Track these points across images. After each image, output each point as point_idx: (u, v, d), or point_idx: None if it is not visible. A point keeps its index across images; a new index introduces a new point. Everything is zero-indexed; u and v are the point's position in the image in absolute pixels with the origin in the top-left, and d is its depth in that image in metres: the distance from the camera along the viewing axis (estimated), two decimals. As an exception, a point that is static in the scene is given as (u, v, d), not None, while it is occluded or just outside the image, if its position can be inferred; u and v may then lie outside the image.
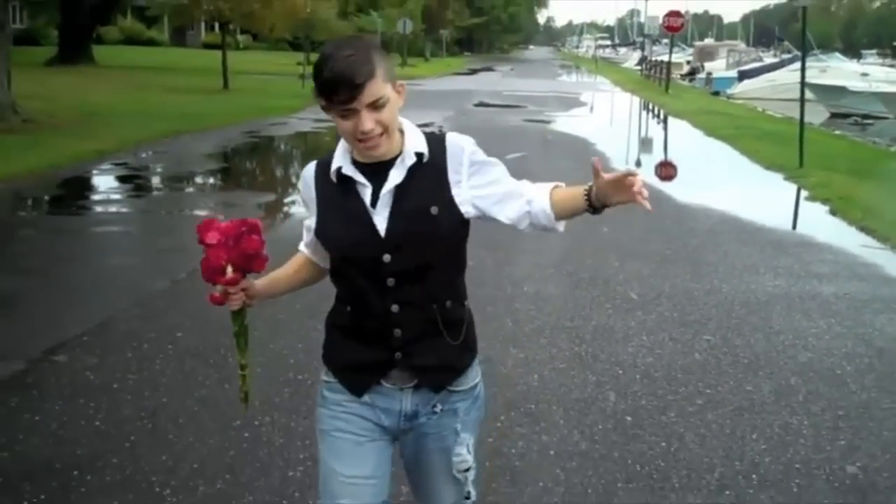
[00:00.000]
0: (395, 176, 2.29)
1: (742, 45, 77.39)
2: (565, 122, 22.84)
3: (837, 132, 25.78)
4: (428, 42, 72.02)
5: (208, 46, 53.55)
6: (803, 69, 16.04)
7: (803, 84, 15.89)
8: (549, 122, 22.66)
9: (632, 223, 9.59)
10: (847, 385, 5.34)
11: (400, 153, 2.30)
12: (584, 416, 4.72)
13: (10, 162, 12.54)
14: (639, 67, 60.70)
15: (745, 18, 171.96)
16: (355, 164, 2.32)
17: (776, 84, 41.94)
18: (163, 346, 5.60)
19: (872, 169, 15.04)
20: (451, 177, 2.33)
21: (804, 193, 12.84)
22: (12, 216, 10.55)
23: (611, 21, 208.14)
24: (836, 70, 42.67)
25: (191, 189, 12.84)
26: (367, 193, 2.30)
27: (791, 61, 50.20)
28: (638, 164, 16.07)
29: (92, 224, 10.10)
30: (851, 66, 49.89)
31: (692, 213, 11.23)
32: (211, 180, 13.73)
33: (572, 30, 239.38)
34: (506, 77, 49.87)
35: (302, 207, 2.51)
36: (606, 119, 27.41)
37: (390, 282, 2.30)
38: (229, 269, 2.24)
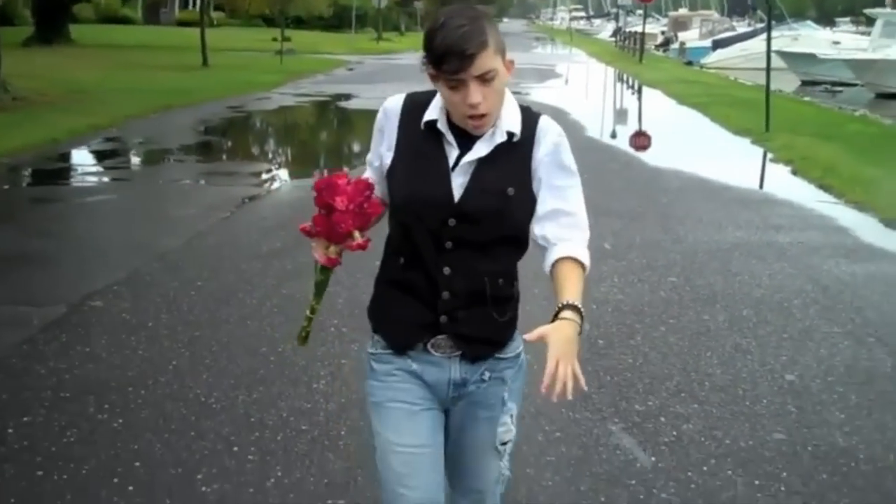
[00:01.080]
0: (481, 148, 2.27)
1: (716, 15, 77.69)
2: (540, 94, 23.45)
3: (807, 99, 26.49)
4: (403, 16, 72.26)
5: (182, 24, 53.59)
6: (769, 38, 16.83)
7: (769, 52, 16.62)
8: (524, 94, 23.27)
9: (608, 184, 10.35)
10: (793, 314, 6.09)
11: (493, 125, 2.29)
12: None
13: (9, 138, 13.04)
14: (613, 39, 61.26)
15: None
16: (449, 123, 2.29)
17: (749, 53, 42.36)
18: (186, 293, 6.26)
19: (835, 132, 15.80)
20: (534, 159, 2.32)
21: (769, 155, 13.62)
22: (23, 187, 11.15)
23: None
24: (808, 38, 43.42)
25: (188, 158, 13.39)
26: (453, 155, 2.29)
27: (763, 30, 51.05)
28: (613, 135, 16.71)
29: (100, 191, 10.69)
30: (823, 34, 50.56)
31: (663, 174, 11.97)
32: (205, 151, 14.31)
33: (546, 2, 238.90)
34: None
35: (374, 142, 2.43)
36: (581, 90, 28.06)
37: (448, 244, 2.28)
38: (357, 234, 2.23)
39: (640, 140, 16.01)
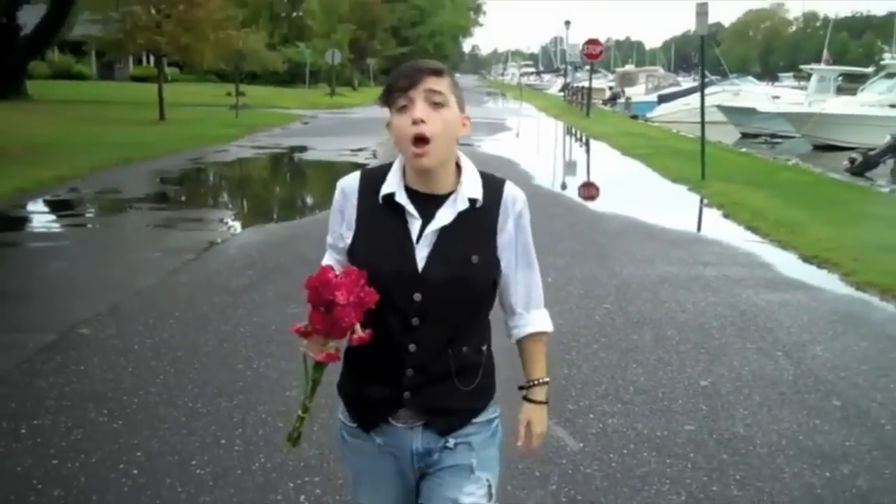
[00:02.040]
0: (444, 216, 2.26)
1: (661, 71, 79.78)
2: (491, 146, 24.27)
3: (744, 150, 27.63)
4: (356, 72, 73.39)
5: (136, 79, 54.10)
6: (702, 93, 17.93)
7: (703, 106, 17.61)
8: (475, 146, 24.09)
9: (553, 227, 11.09)
10: (712, 334, 6.84)
11: (453, 191, 2.28)
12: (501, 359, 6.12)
13: (-21, 188, 13.58)
14: (562, 93, 62.81)
15: (667, 45, 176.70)
16: (407, 191, 2.28)
17: (691, 107, 43.51)
18: (165, 322, 6.87)
19: (766, 180, 16.79)
20: (500, 227, 2.32)
21: (703, 201, 14.52)
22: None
23: (535, 49, 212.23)
24: (748, 93, 45.04)
25: (153, 206, 13.93)
26: (415, 226, 2.26)
27: (707, 85, 52.73)
28: (563, 186, 17.49)
29: (72, 236, 11.28)
30: (763, 88, 52.39)
31: (604, 218, 12.80)
32: (168, 200, 14.89)
33: (497, 58, 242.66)
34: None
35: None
36: (530, 143, 29.07)
37: (415, 321, 2.25)
38: (358, 328, 2.16)
39: (588, 191, 16.76)
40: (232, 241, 10.74)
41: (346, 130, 28.49)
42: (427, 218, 2.25)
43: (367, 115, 36.92)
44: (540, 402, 2.50)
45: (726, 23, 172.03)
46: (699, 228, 12.73)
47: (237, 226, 12.43)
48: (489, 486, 2.39)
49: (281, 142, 25.00)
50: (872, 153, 23.46)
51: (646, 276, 8.83)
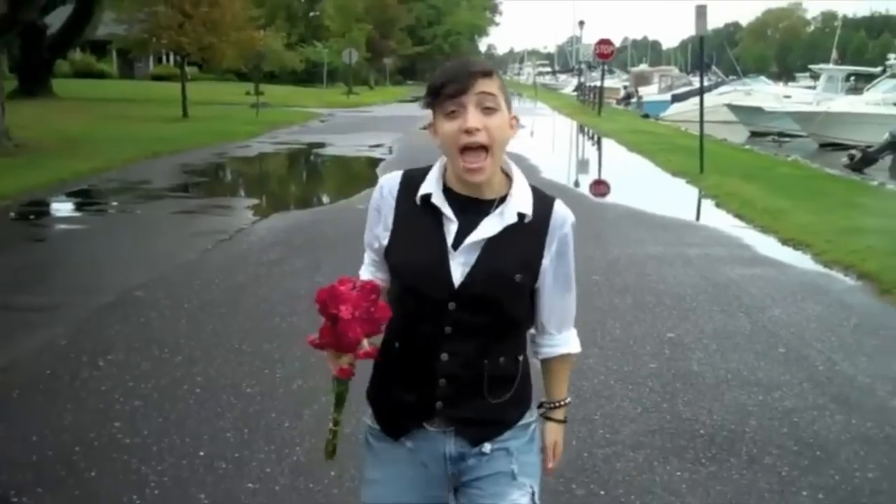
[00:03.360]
0: (489, 227, 2.15)
1: (675, 71, 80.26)
2: (503, 142, 25.24)
3: (748, 147, 28.49)
4: (372, 71, 74.48)
5: (156, 78, 55.38)
6: (702, 93, 19.01)
7: (702, 105, 18.64)
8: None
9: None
10: (685, 300, 7.81)
11: (501, 199, 2.18)
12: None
13: (22, 178, 14.63)
14: (576, 93, 63.75)
15: (683, 44, 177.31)
16: (447, 192, 2.18)
17: (704, 107, 44.53)
18: (208, 287, 7.91)
19: (761, 174, 17.70)
20: (547, 247, 2.21)
21: (699, 192, 15.47)
22: (49, 216, 12.79)
23: (552, 48, 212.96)
24: (760, 93, 45.86)
25: (185, 195, 14.96)
26: (451, 231, 2.16)
27: (718, 85, 53.65)
28: (576, 184, 18.33)
29: (115, 220, 12.32)
30: (775, 88, 53.01)
31: (604, 207, 13.81)
32: (197, 190, 15.93)
33: (514, 57, 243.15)
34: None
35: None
36: (541, 139, 30.01)
37: (448, 329, 2.16)
38: (365, 342, 2.10)
39: (599, 188, 17.53)
40: (260, 225, 11.76)
41: (364, 128, 29.56)
42: (466, 223, 2.14)
43: (383, 113, 38.12)
44: (562, 422, 2.44)
45: (744, 22, 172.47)
46: (691, 216, 13.66)
47: (264, 212, 13.44)
48: (533, 493, 2.28)
49: (300, 138, 26.07)
50: (871, 150, 24.32)
51: (635, 254, 9.80)
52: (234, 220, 12.13)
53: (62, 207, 13.44)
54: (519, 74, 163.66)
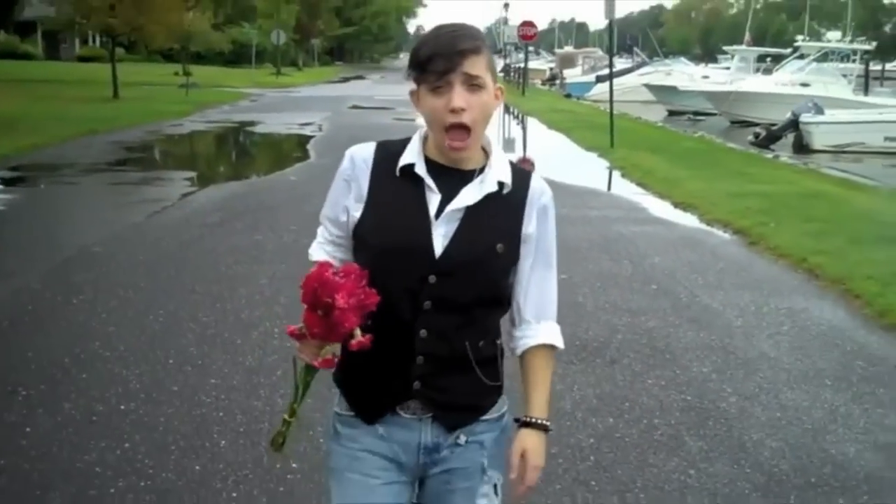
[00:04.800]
0: (469, 195, 2.10)
1: (599, 52, 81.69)
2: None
3: (660, 125, 29.93)
4: (300, 52, 74.83)
5: (83, 59, 55.21)
6: (611, 74, 20.60)
7: (612, 86, 20.10)
8: (415, 120, 26.10)
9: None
10: (580, 251, 8.96)
11: (480, 169, 2.13)
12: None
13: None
14: (502, 74, 65.07)
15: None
16: (428, 163, 2.13)
17: (625, 87, 46.05)
18: (158, 244, 8.89)
19: (666, 148, 19.06)
20: (525, 220, 2.16)
21: (607, 164, 16.74)
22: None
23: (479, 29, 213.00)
24: (680, 73, 47.58)
25: (125, 169, 15.70)
26: (434, 201, 2.10)
27: (640, 66, 55.35)
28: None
29: (64, 191, 13.11)
30: (693, 69, 55.03)
31: (518, 178, 14.92)
32: (136, 164, 16.70)
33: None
34: (377, 84, 53.00)
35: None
36: (466, 118, 31.11)
37: (427, 304, 2.09)
38: (358, 332, 2.01)
39: (526, 165, 18.82)
40: (200, 194, 12.69)
41: (293, 107, 30.36)
42: (448, 193, 2.10)
43: (312, 93, 38.91)
44: (541, 428, 2.25)
45: (669, 4, 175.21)
46: (597, 184, 14.88)
47: (202, 184, 14.34)
48: (496, 486, 2.25)
49: (231, 117, 26.83)
50: (774, 128, 25.93)
51: (541, 216, 10.95)
52: (175, 190, 13.01)
53: (9, 179, 14.17)
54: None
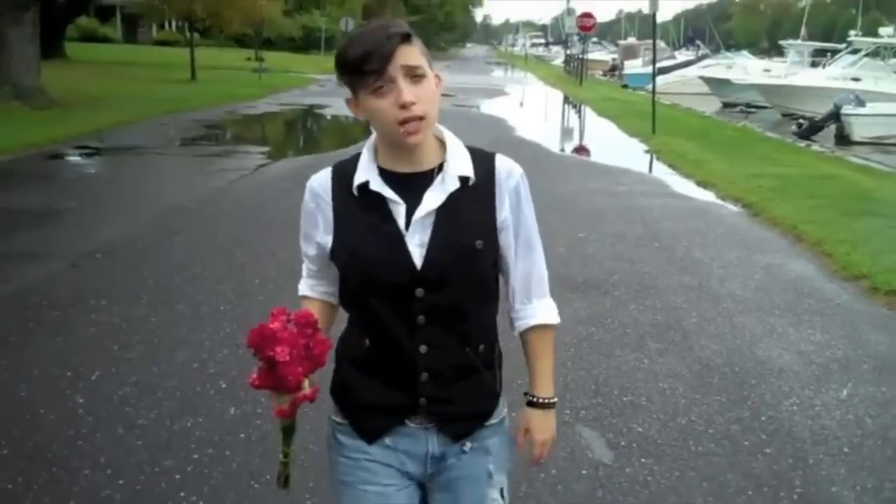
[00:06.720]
0: (433, 199, 1.99)
1: (661, 44, 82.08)
2: (487, 107, 27.89)
3: (707, 114, 30.93)
4: (368, 39, 76.12)
5: (160, 43, 57.57)
6: (654, 66, 21.80)
7: (654, 76, 21.49)
8: (473, 107, 27.61)
9: (518, 162, 14.61)
10: (604, 217, 10.35)
11: (438, 167, 2.02)
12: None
13: (66, 127, 17.08)
14: (563, 65, 66.14)
15: (677, 18, 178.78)
16: (383, 175, 2.02)
17: (685, 79, 47.09)
18: (242, 203, 10.48)
19: (704, 135, 20.29)
20: (498, 206, 2.06)
21: (645, 148, 18.06)
22: (103, 156, 15.31)
23: (546, 20, 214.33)
24: (741, 67, 48.33)
25: (206, 143, 17.42)
26: (400, 213, 2.00)
27: (702, 58, 56.12)
28: (562, 150, 20.97)
29: (154, 159, 14.80)
30: (754, 62, 55.45)
31: (562, 159, 16.39)
32: (216, 139, 18.43)
33: (509, 28, 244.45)
34: (441, 72, 54.04)
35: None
36: (523, 105, 32.53)
37: (420, 319, 2.02)
38: (306, 383, 1.93)
39: (582, 153, 19.85)
40: (273, 166, 14.30)
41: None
42: (413, 201, 2.00)
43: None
44: (545, 407, 2.27)
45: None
46: (632, 165, 16.15)
47: (275, 157, 15.96)
48: (502, 490, 2.24)
49: (301, 100, 28.53)
50: (817, 119, 26.91)
51: (574, 190, 12.35)
52: (250, 162, 14.63)
53: (104, 149, 15.93)
54: (513, 46, 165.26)
